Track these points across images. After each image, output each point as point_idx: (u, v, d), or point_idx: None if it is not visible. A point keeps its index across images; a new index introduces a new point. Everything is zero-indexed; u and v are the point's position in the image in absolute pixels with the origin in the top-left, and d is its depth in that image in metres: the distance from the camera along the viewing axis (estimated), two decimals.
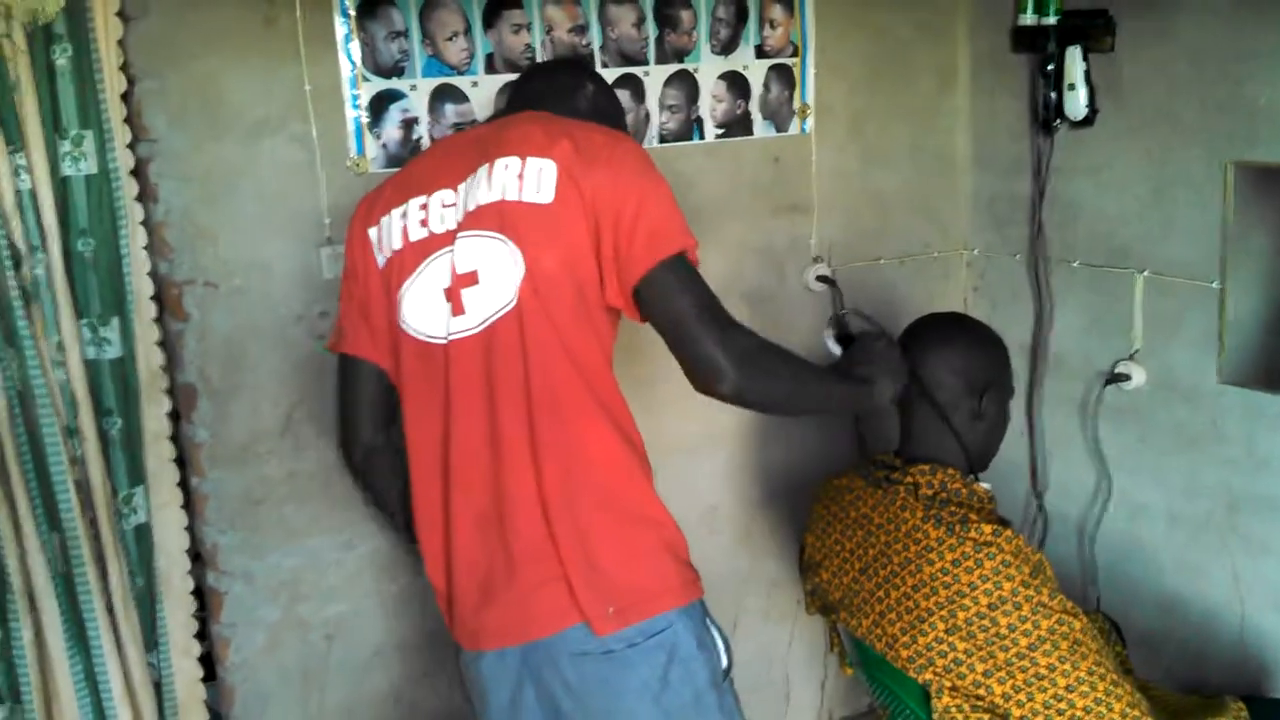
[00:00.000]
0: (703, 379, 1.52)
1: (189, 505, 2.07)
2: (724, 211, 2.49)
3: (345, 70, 2.10)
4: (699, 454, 2.54)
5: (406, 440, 1.71)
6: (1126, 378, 2.39)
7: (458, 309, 1.61)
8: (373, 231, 1.72)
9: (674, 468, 2.48)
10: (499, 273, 1.58)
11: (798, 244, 2.59)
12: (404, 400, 1.71)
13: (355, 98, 2.12)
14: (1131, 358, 2.40)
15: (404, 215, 1.67)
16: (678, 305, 1.53)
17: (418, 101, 2.17)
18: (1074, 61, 2.38)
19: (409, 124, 2.17)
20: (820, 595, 1.93)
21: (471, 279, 1.60)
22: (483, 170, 1.61)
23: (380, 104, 2.14)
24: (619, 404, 1.63)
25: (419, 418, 1.68)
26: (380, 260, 1.70)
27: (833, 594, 1.87)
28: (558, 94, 1.81)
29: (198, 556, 2.10)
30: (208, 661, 2.15)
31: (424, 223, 1.66)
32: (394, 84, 2.14)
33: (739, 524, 2.64)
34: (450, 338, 1.62)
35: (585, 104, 1.82)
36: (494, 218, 1.58)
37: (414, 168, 1.76)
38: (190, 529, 2.07)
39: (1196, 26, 2.19)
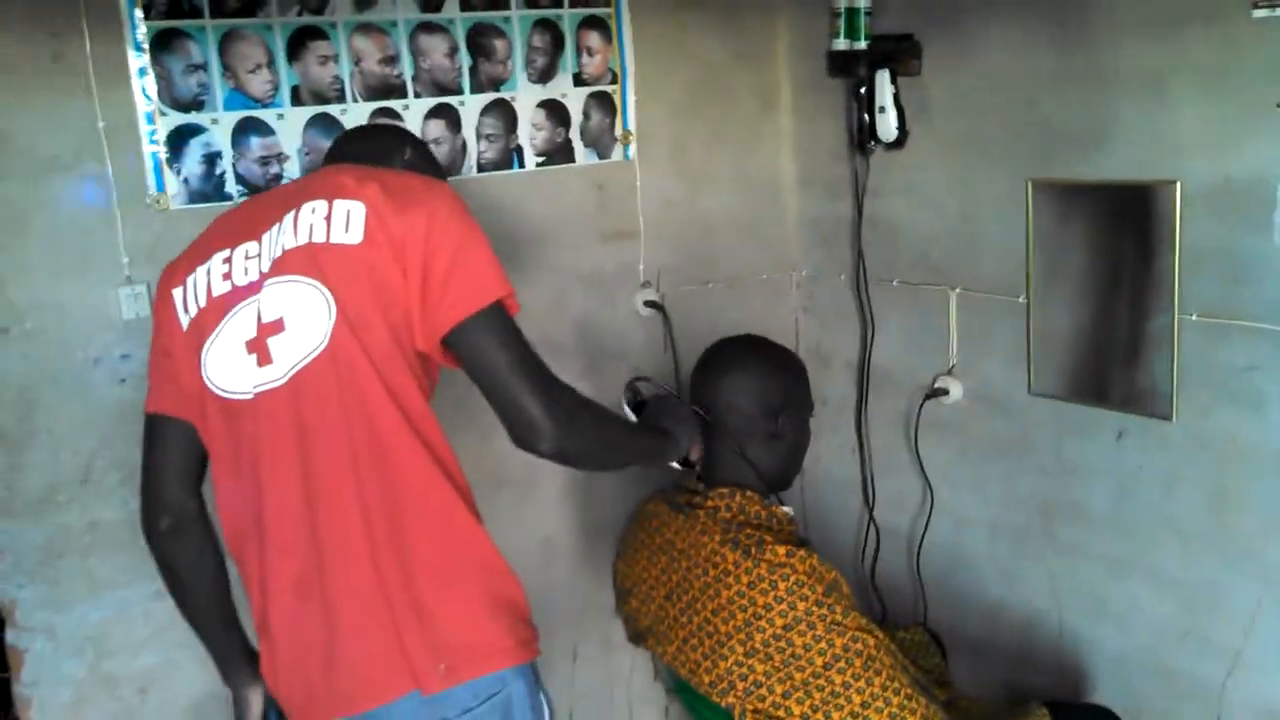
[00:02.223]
0: (522, 436, 1.50)
1: None
2: (549, 240, 2.49)
3: (141, 105, 2.05)
4: (532, 484, 2.53)
5: (218, 509, 1.63)
6: (945, 392, 2.45)
7: (264, 359, 1.54)
8: (177, 292, 1.64)
9: (507, 499, 2.47)
10: (308, 317, 1.52)
11: (626, 270, 2.60)
12: (213, 466, 1.63)
13: (152, 133, 2.06)
14: (949, 372, 2.46)
15: (208, 272, 1.61)
16: (494, 359, 1.50)
17: (220, 135, 2.12)
18: (883, 85, 2.44)
19: (211, 159, 2.12)
20: (631, 622, 1.93)
21: (277, 326, 1.53)
22: (288, 217, 1.56)
23: (180, 139, 2.09)
24: (445, 447, 1.57)
25: (229, 482, 1.61)
26: (184, 321, 1.62)
27: (642, 621, 1.87)
28: (374, 156, 1.77)
29: None
30: None
31: (226, 276, 1.60)
32: (193, 118, 2.09)
33: (576, 553, 2.62)
34: (257, 390, 1.55)
35: (401, 165, 1.79)
36: (302, 261, 1.53)
37: (219, 224, 1.70)
38: None
39: (995, 50, 2.26)
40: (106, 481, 2.07)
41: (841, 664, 1.64)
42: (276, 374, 1.53)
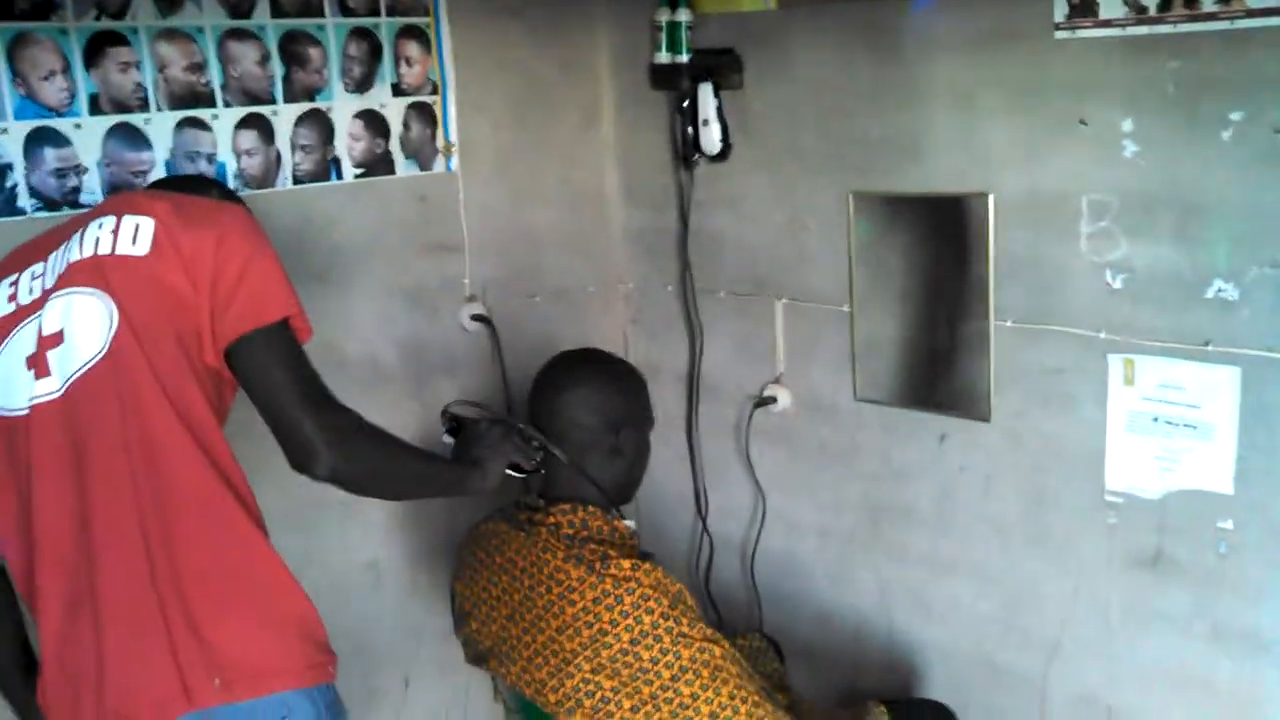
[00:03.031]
0: (296, 458, 1.48)
1: None
2: (369, 253, 2.41)
3: None
4: (355, 509, 2.43)
5: (1, 537, 1.55)
6: (773, 400, 2.48)
7: (41, 372, 1.49)
8: None
9: (330, 521, 2.37)
10: (88, 326, 1.48)
11: (450, 284, 2.54)
12: None
13: None
14: (777, 381, 2.49)
15: None
16: (272, 377, 1.49)
17: (11, 146, 1.97)
18: (706, 98, 2.46)
19: (2, 170, 1.97)
20: (472, 644, 1.87)
21: (57, 339, 1.49)
22: (76, 236, 1.54)
23: None
24: (231, 462, 1.53)
25: (6, 505, 1.53)
26: None
27: (483, 642, 1.82)
28: (178, 189, 1.76)
29: None
30: None
31: (11, 298, 1.56)
32: None
33: (404, 578, 2.54)
34: (32, 404, 1.49)
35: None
36: (87, 273, 1.50)
37: (9, 256, 1.64)
38: None
39: (813, 65, 2.31)
40: None
41: (689, 675, 1.63)
42: (52, 386, 1.49)
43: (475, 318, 2.55)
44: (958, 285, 2.20)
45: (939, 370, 2.29)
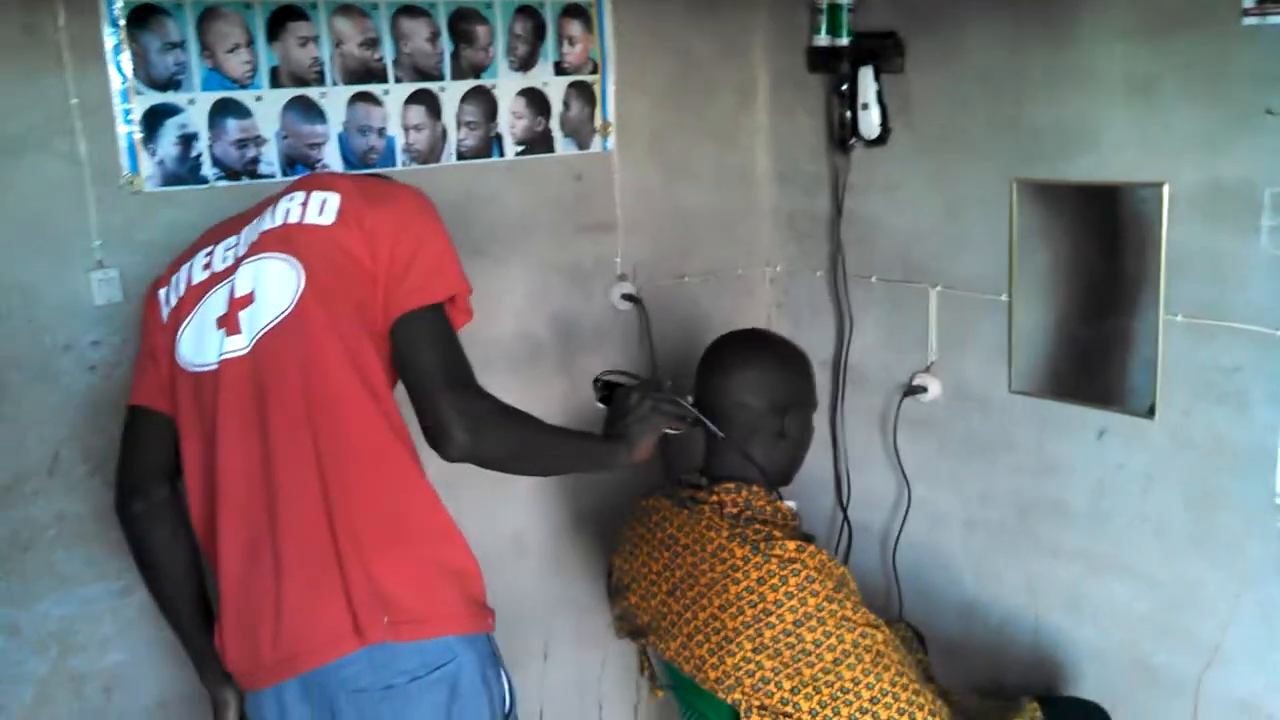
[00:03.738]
0: (432, 437, 1.53)
1: None
2: (527, 230, 2.45)
3: (115, 83, 1.97)
4: (504, 479, 2.46)
5: (186, 486, 1.64)
6: (923, 390, 2.45)
7: (232, 330, 1.59)
8: (162, 292, 1.70)
9: (478, 493, 2.41)
10: (276, 287, 1.57)
11: (603, 262, 2.57)
12: (182, 443, 1.64)
13: (127, 112, 1.98)
14: (928, 370, 2.46)
15: (189, 267, 1.68)
16: (421, 356, 1.56)
17: (196, 116, 2.05)
18: (866, 82, 2.43)
19: (187, 140, 2.05)
20: (629, 619, 1.89)
21: (248, 300, 1.59)
22: (267, 210, 1.64)
23: (156, 119, 2.01)
24: (401, 422, 1.59)
25: (191, 454, 1.63)
26: (165, 313, 1.68)
27: (641, 617, 1.84)
28: None
29: None
30: None
31: (206, 266, 1.66)
32: (170, 97, 2.02)
33: (547, 549, 2.58)
34: (222, 358, 1.58)
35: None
36: (277, 240, 1.60)
37: (205, 234, 1.75)
38: None
39: (980, 49, 2.26)
40: (75, 473, 1.99)
41: (852, 659, 1.63)
42: (241, 343, 1.57)
43: (626, 297, 2.57)
44: (1124, 277, 2.14)
45: (1100, 364, 2.23)
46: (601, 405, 1.88)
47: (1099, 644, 2.25)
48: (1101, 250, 2.22)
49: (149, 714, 2.11)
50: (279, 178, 2.13)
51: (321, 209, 1.59)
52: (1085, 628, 2.27)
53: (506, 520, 2.51)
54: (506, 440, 1.60)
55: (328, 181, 1.64)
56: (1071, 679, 2.30)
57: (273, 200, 1.66)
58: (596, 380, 1.90)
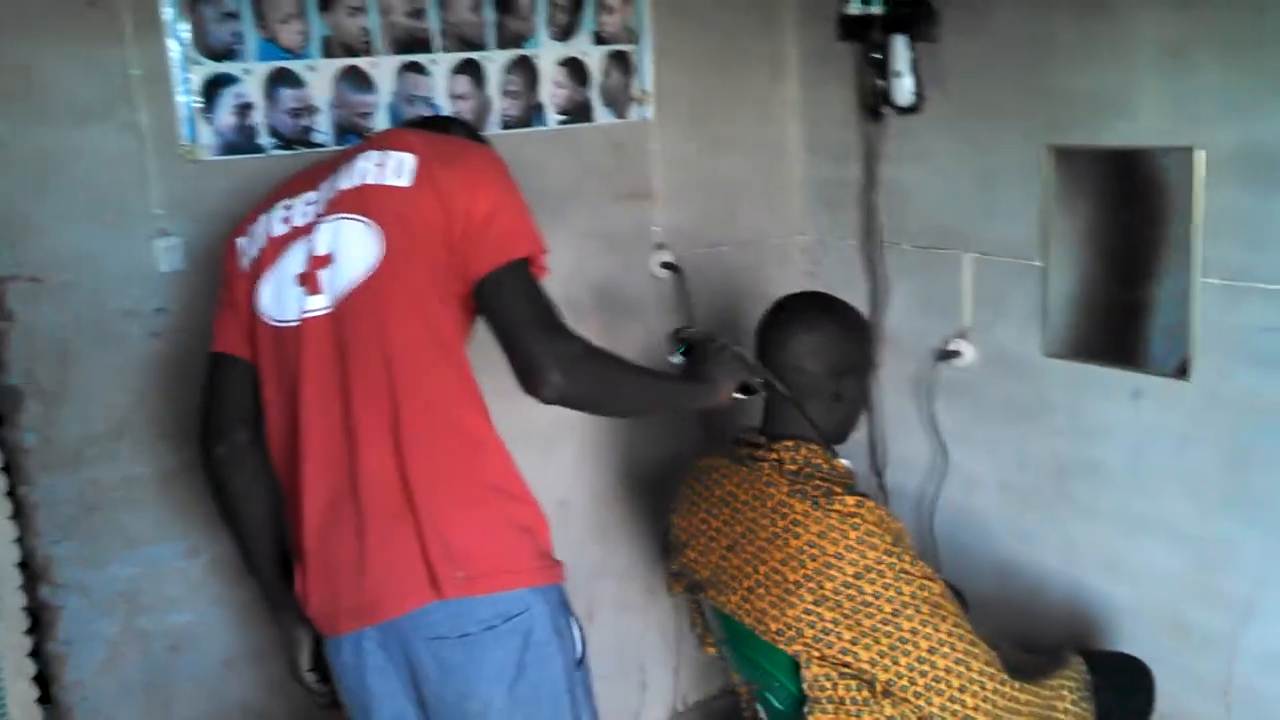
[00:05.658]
0: (528, 381, 1.56)
1: (18, 516, 1.94)
2: (568, 198, 2.49)
3: (174, 53, 2.00)
4: (551, 445, 2.53)
5: (267, 434, 1.69)
6: (958, 354, 2.50)
7: (313, 289, 1.63)
8: (241, 240, 1.74)
9: (524, 460, 2.44)
10: (356, 249, 1.61)
11: (641, 230, 2.61)
12: (262, 391, 1.69)
13: (186, 82, 2.02)
14: (962, 335, 2.51)
15: (269, 218, 1.71)
16: (515, 308, 1.59)
17: (252, 86, 2.09)
18: (900, 50, 2.47)
19: (244, 109, 2.08)
20: (686, 575, 1.94)
21: (327, 260, 1.62)
22: (344, 167, 1.68)
23: (213, 88, 2.05)
24: (474, 383, 1.65)
25: (273, 403, 1.68)
26: (244, 263, 1.72)
27: (700, 572, 1.89)
28: (428, 128, 1.86)
29: (26, 569, 1.97)
30: (43, 681, 2.01)
31: (286, 220, 1.70)
32: (226, 67, 2.06)
33: (591, 516, 2.64)
34: (304, 316, 1.62)
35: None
36: (354, 201, 1.63)
37: (282, 183, 1.78)
38: (20, 541, 1.93)
39: (1012, 17, 2.30)
40: (141, 436, 2.04)
41: (910, 610, 1.68)
42: (323, 303, 1.62)
43: (664, 265, 2.61)
44: (1158, 241, 2.18)
45: (1134, 327, 2.28)
46: (674, 360, 1.91)
47: (1134, 602, 2.31)
48: (1134, 215, 2.26)
49: (215, 672, 2.17)
50: (332, 146, 2.17)
51: (399, 171, 1.62)
52: (1121, 586, 2.33)
53: (553, 487, 2.55)
54: (599, 380, 1.64)
55: (404, 141, 1.67)
56: (1107, 637, 2.35)
57: (348, 156, 1.69)
58: (675, 333, 1.93)
